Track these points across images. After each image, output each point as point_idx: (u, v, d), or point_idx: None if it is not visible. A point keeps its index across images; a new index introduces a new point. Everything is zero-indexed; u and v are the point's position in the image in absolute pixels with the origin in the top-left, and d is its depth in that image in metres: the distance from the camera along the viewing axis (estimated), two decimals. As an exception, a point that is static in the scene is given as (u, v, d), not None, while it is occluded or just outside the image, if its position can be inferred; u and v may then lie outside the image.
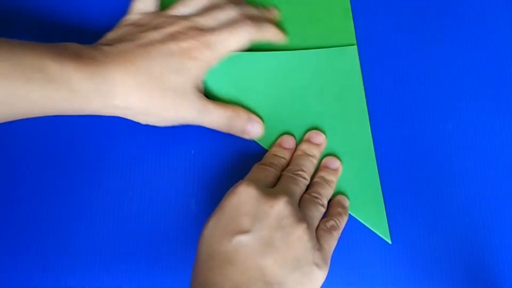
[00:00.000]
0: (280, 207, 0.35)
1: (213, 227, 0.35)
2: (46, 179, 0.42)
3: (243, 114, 0.41)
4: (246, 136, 0.42)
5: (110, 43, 0.38)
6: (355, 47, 0.45)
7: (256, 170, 0.39)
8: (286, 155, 0.41)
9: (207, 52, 0.39)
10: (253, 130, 0.41)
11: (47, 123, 0.43)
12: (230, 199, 0.36)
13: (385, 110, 0.44)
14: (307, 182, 0.40)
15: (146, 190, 0.42)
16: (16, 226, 0.41)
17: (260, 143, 0.43)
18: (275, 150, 0.42)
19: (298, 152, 0.41)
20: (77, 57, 0.35)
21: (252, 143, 0.43)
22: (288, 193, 0.37)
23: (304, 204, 0.38)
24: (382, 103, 0.44)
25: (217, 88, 0.43)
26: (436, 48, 0.45)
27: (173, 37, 0.39)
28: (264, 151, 0.42)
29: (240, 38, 0.40)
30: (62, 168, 0.42)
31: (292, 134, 0.43)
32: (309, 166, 0.40)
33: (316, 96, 0.43)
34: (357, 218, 0.41)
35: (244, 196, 0.35)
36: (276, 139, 0.43)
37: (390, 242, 0.41)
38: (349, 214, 0.41)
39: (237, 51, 0.40)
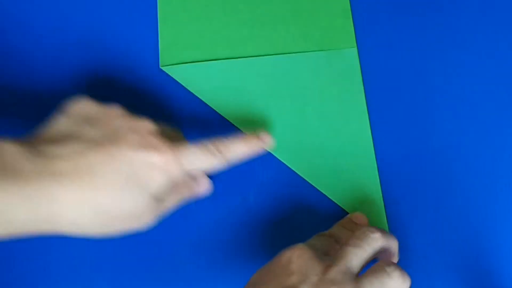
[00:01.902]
0: (333, 274, 0.32)
1: (261, 275, 0.34)
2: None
3: (190, 182, 0.37)
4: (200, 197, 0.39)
5: (52, 140, 0.31)
6: (355, 48, 0.45)
7: (316, 237, 0.37)
8: (354, 229, 0.39)
9: (173, 164, 0.34)
10: (204, 190, 0.39)
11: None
12: (284, 254, 0.34)
13: (385, 111, 0.44)
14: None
15: (146, 189, 0.42)
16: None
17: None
18: (344, 223, 0.39)
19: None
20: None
21: (252, 143, 0.43)
22: (346, 260, 0.33)
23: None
24: (382, 104, 0.44)
25: (217, 92, 0.43)
26: (436, 48, 0.45)
27: (143, 138, 0.33)
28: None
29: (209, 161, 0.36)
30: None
31: (291, 135, 0.43)
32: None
33: (316, 98, 0.44)
34: None
35: (298, 254, 0.33)
36: (276, 141, 0.42)
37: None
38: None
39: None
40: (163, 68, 0.44)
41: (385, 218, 0.41)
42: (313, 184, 0.42)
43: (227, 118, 0.43)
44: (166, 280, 0.40)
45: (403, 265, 0.40)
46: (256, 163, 0.42)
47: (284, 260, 0.34)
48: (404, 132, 0.43)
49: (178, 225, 0.41)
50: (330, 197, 0.41)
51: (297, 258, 0.33)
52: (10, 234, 0.30)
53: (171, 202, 0.36)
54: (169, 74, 0.44)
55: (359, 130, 0.43)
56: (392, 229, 0.41)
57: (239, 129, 0.43)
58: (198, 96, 0.44)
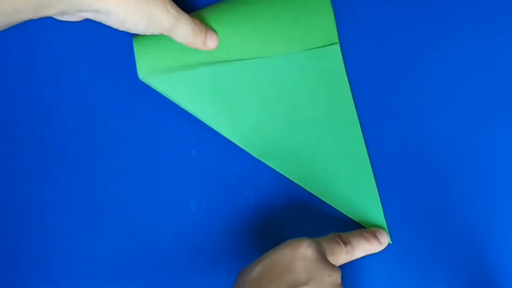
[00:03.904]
0: (336, 279, 0.34)
1: (263, 271, 0.34)
2: (46, 178, 0.42)
3: (201, 24, 0.40)
4: (205, 49, 0.40)
5: None
6: (337, 45, 0.42)
7: (330, 241, 0.37)
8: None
9: None
10: (212, 42, 0.40)
11: (46, 122, 0.43)
12: (291, 249, 0.34)
13: (376, 107, 0.43)
14: None
15: (146, 189, 0.42)
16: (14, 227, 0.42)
17: (249, 151, 0.42)
18: (366, 236, 0.39)
19: None
20: None
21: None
22: None
23: None
24: (371, 100, 0.43)
25: (201, 101, 0.41)
26: (424, 42, 0.43)
27: None
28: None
29: None
30: (61, 167, 0.43)
31: (279, 141, 0.42)
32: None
33: (301, 100, 0.42)
34: (356, 220, 0.41)
35: (307, 252, 0.34)
36: (264, 147, 0.42)
37: (390, 242, 0.40)
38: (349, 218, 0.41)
39: None
40: (143, 79, 0.41)
41: (383, 218, 0.41)
42: (306, 189, 0.41)
43: (212, 127, 0.41)
44: (166, 279, 0.40)
45: (404, 262, 0.40)
46: (256, 163, 0.42)
47: (294, 254, 0.34)
48: (399, 129, 0.42)
49: (178, 225, 0.41)
50: (325, 201, 0.41)
51: (308, 255, 0.33)
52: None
53: (188, 21, 0.38)
54: (149, 85, 0.41)
55: (349, 131, 0.42)
56: (393, 229, 0.41)
57: (225, 138, 0.42)
58: (182, 106, 0.41)
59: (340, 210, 0.41)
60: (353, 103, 0.42)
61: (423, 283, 0.40)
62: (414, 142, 0.42)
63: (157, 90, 0.41)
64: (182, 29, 0.38)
